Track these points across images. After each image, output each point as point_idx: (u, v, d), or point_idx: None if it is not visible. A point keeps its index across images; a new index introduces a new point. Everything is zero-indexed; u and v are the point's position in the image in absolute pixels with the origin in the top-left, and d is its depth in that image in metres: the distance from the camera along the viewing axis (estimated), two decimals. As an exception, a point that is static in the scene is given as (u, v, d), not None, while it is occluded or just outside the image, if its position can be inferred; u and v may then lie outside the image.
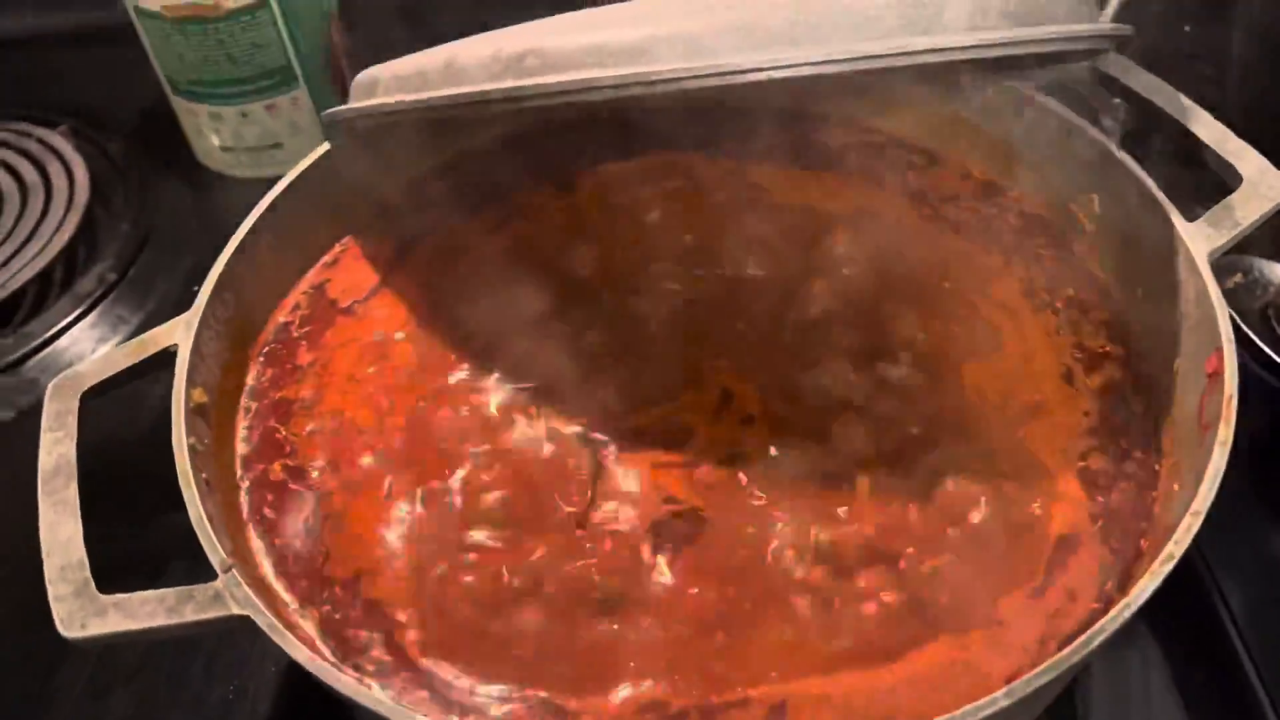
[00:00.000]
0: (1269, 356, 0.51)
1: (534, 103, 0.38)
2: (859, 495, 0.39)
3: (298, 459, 0.41)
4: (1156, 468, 0.39)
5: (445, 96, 0.39)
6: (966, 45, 0.37)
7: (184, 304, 0.42)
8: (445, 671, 0.35)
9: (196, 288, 0.43)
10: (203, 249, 0.64)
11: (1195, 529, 0.32)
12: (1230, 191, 0.43)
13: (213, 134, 0.69)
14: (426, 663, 0.36)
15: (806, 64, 0.36)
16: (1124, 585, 0.35)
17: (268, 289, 0.46)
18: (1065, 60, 0.45)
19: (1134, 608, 0.30)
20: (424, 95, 0.40)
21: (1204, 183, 0.46)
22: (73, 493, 0.36)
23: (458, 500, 0.39)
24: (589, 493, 0.40)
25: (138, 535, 0.48)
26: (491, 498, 0.39)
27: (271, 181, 0.47)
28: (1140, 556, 0.36)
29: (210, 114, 0.68)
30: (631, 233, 0.49)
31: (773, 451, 0.41)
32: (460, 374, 0.44)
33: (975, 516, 0.38)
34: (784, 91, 0.53)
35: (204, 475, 0.37)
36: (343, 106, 0.44)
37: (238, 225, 0.45)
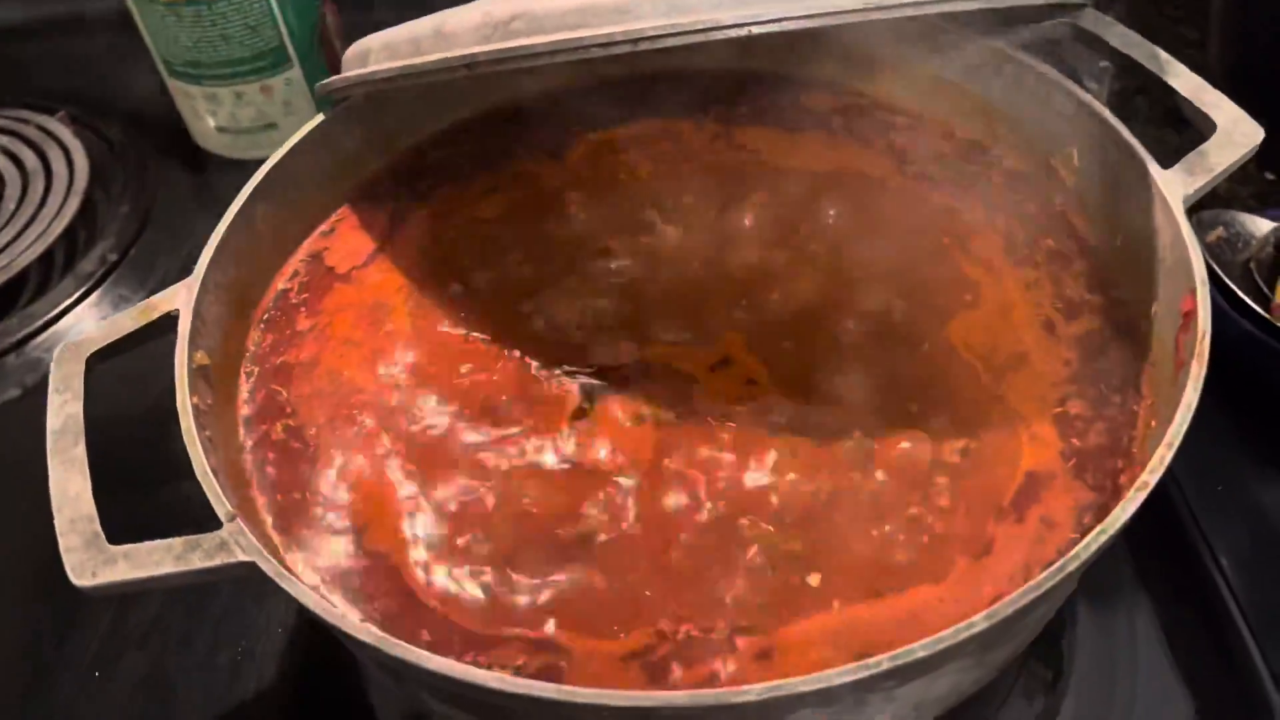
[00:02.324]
0: (1252, 309, 0.52)
1: (521, 64, 0.39)
2: (846, 445, 0.40)
3: (298, 419, 0.42)
4: (1135, 408, 0.40)
5: (435, 61, 0.40)
6: (943, -1, 0.38)
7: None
8: (451, 614, 0.36)
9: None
10: (201, 229, 0.65)
11: (1168, 459, 0.33)
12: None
13: (209, 116, 0.70)
14: (434, 605, 0.37)
15: (786, 18, 0.36)
16: (1103, 515, 0.36)
17: (267, 257, 0.47)
18: (1044, 17, 0.46)
19: (1109, 533, 0.31)
20: (414, 61, 0.41)
21: (1191, 140, 0.47)
22: (80, 451, 0.37)
23: (451, 451, 0.40)
24: (581, 434, 0.41)
25: (143, 508, 0.48)
26: (485, 448, 0.41)
27: None
28: (1120, 490, 0.37)
29: (206, 96, 0.69)
30: (622, 197, 0.50)
31: (761, 402, 0.41)
32: (453, 333, 0.45)
33: (955, 459, 0.39)
34: (771, 55, 0.54)
35: (207, 433, 0.38)
36: (336, 77, 0.45)
37: None
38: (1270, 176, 0.64)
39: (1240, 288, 0.52)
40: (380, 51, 0.44)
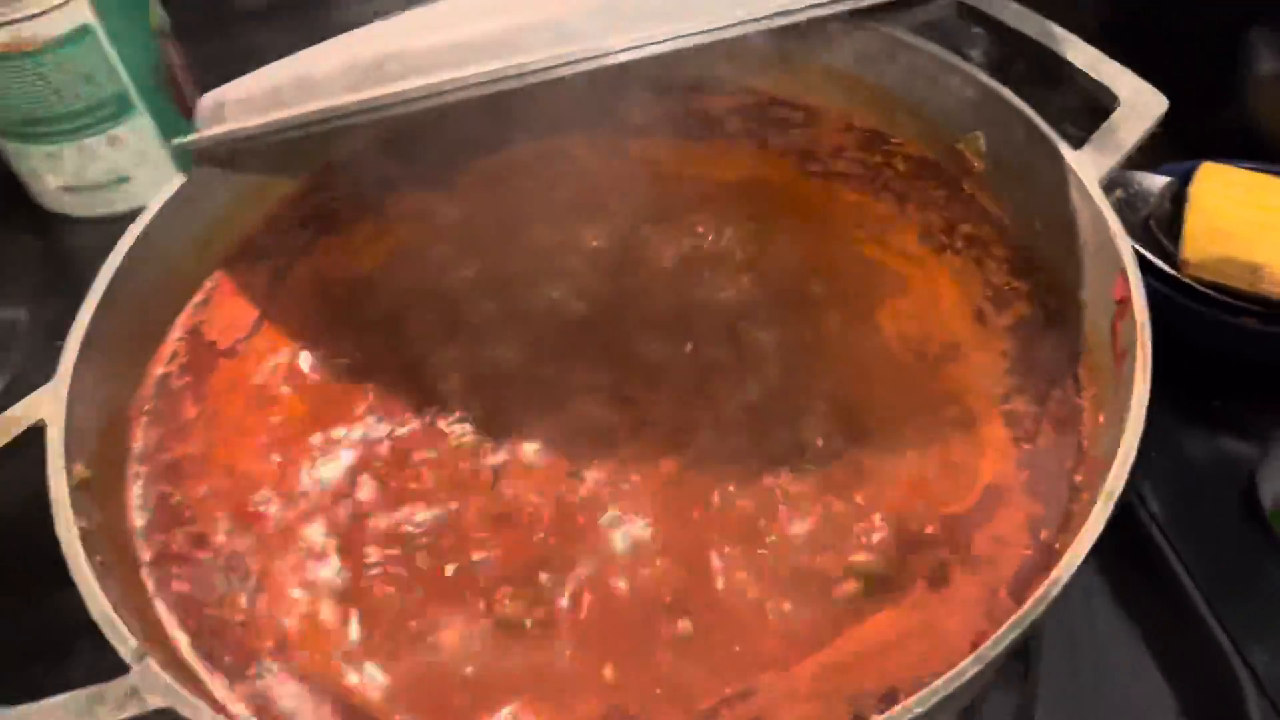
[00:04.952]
0: (1155, 265, 0.52)
1: (401, 109, 0.35)
2: (790, 473, 0.38)
3: (199, 525, 0.38)
4: (1078, 401, 0.39)
5: (306, 114, 0.37)
6: (843, -4, 0.36)
7: (46, 363, 0.39)
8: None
9: (58, 343, 0.39)
10: (59, 300, 0.60)
11: (1131, 461, 0.32)
12: (1106, 113, 0.43)
13: (51, 175, 0.64)
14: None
15: (683, 37, 0.34)
16: (1065, 522, 0.36)
17: (140, 341, 0.43)
18: None
19: (1084, 553, 0.30)
20: (282, 115, 0.37)
21: (1069, 104, 0.47)
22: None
23: (373, 541, 0.37)
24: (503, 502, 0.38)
25: (35, 617, 0.45)
26: (412, 528, 0.38)
27: (125, 217, 0.43)
28: (1077, 492, 0.36)
29: (46, 155, 0.63)
30: (520, 228, 0.47)
31: (691, 444, 0.39)
32: (353, 405, 0.41)
33: (904, 473, 0.37)
34: (657, 59, 0.51)
35: (99, 558, 0.34)
36: (193, 135, 0.41)
37: (94, 269, 0.41)
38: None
39: (1143, 245, 0.52)
40: (237, 105, 0.40)
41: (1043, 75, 0.49)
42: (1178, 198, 0.55)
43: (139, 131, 0.63)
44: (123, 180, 0.65)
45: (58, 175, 0.64)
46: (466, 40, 0.35)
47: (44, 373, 0.39)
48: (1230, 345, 0.52)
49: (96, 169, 0.64)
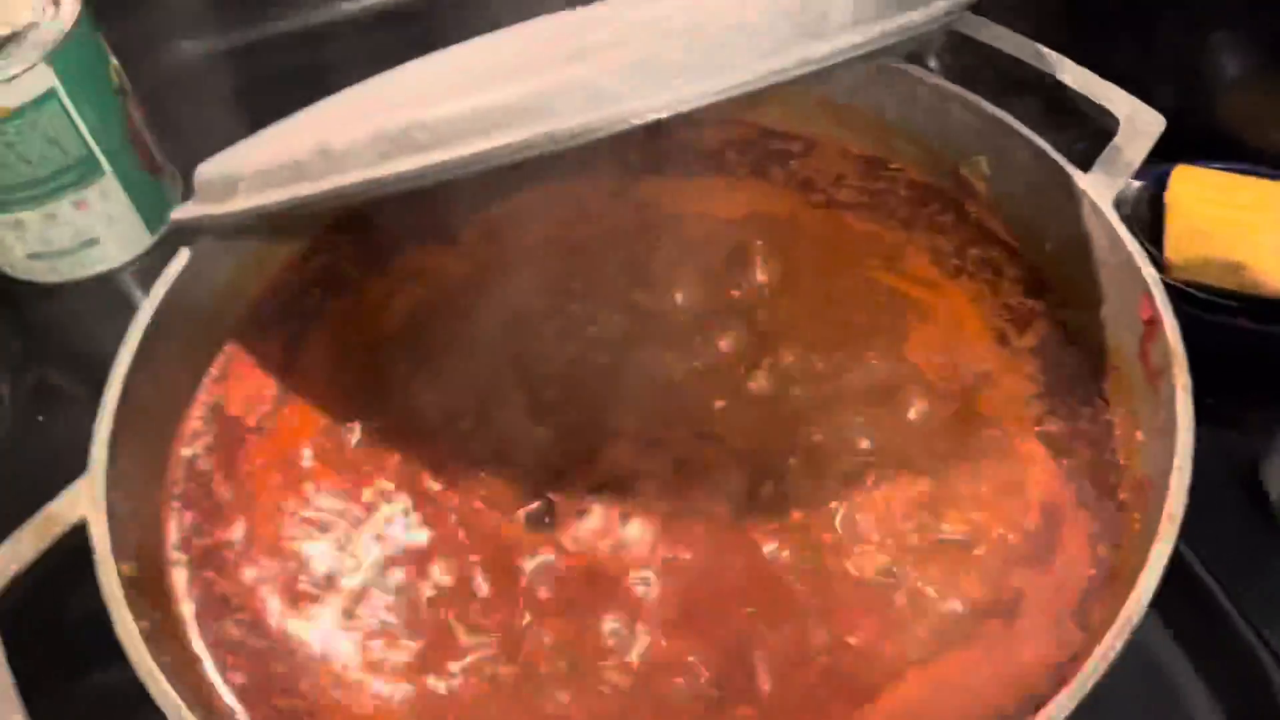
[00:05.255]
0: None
1: (434, 179, 0.35)
2: (842, 513, 0.38)
3: (249, 613, 0.37)
4: (1109, 418, 0.40)
5: (335, 188, 0.36)
6: (862, 41, 0.37)
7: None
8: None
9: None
10: (36, 369, 0.58)
11: (1187, 481, 0.33)
12: (1075, 115, 0.45)
13: (16, 243, 0.62)
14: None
15: (719, 91, 0.34)
16: (1116, 541, 0.37)
17: (161, 422, 0.42)
18: (935, 29, 0.46)
19: (1159, 572, 0.31)
20: (310, 189, 0.36)
21: (1035, 110, 0.48)
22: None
23: (436, 620, 0.37)
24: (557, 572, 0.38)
25: (64, 705, 0.43)
26: (468, 606, 0.37)
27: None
28: (1124, 510, 0.37)
29: (10, 224, 0.61)
30: (532, 277, 0.47)
31: (735, 488, 0.40)
32: (392, 469, 0.41)
33: (961, 505, 0.38)
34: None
35: (166, 658, 0.33)
36: (208, 211, 0.40)
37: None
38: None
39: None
40: (253, 178, 0.39)
41: (1010, 84, 0.51)
42: (1155, 201, 0.57)
43: (106, 194, 0.61)
44: (91, 243, 0.63)
45: (23, 242, 0.62)
46: (495, 105, 0.34)
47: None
48: (1222, 345, 0.53)
49: (64, 234, 0.62)
